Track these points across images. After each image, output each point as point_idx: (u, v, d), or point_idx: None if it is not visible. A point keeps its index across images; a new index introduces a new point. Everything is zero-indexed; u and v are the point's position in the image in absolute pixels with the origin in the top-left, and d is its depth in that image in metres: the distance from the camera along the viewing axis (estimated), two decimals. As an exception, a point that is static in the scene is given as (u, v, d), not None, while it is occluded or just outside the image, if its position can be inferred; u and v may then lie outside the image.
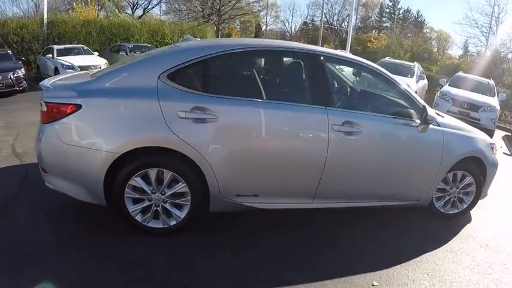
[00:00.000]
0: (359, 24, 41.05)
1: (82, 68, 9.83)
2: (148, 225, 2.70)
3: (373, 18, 43.30)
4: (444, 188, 3.46)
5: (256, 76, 3.14)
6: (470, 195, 3.57)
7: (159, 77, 2.58)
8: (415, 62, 12.40)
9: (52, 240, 2.60)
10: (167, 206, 2.69)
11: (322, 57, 2.98)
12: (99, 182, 2.54)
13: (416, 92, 9.06)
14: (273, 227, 3.07)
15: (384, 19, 43.00)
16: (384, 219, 3.39)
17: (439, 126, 3.19)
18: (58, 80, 2.99)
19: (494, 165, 3.63)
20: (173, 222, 2.72)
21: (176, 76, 2.62)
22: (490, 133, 7.86)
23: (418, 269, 2.71)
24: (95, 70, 3.92)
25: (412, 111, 3.11)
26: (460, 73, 11.98)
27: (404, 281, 2.55)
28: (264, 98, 2.80)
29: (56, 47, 11.80)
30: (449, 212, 3.58)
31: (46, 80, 2.93)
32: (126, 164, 2.54)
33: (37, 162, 2.82)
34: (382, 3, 43.53)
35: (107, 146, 2.51)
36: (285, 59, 3.25)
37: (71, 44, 13.49)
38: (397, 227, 3.33)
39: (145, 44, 14.71)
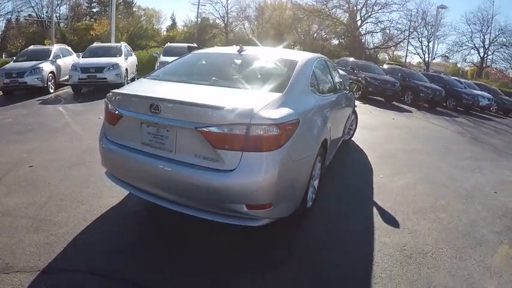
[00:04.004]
0: (70, 13, 39.10)
1: None
2: (308, 206, 3.28)
3: (83, 5, 42.21)
4: (347, 124, 6.29)
5: (325, 78, 4.44)
6: (353, 125, 6.58)
7: (309, 87, 3.35)
8: (122, 42, 14.36)
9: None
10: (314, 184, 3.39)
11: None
12: (305, 185, 2.92)
13: (127, 69, 11.41)
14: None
15: (93, 4, 42.73)
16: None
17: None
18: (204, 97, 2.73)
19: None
20: (313, 196, 3.45)
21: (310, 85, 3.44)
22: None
23: (379, 164, 5.39)
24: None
25: (343, 86, 5.46)
26: (169, 43, 14.73)
27: (380, 167, 5.16)
28: (332, 92, 4.27)
29: None
30: (347, 138, 6.45)
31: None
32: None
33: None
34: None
35: (314, 149, 2.99)
36: (324, 64, 4.48)
37: None
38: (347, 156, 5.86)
39: None
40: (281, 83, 3.01)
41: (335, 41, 40.32)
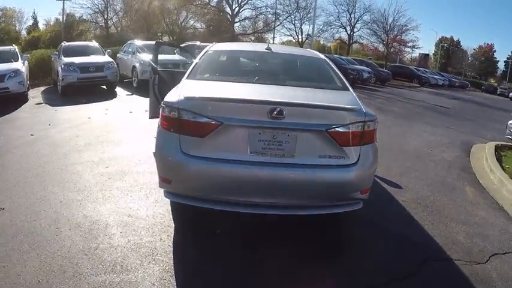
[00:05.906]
0: None
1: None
2: None
3: None
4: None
5: None
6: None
7: None
8: (14, 45, 12.96)
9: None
10: None
11: None
12: None
13: (27, 75, 10.59)
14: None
15: None
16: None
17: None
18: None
19: None
20: None
21: None
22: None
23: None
24: None
25: None
26: (65, 42, 13.65)
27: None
28: None
29: None
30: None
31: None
32: None
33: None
34: None
35: None
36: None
37: None
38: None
39: None
40: (339, 81, 3.49)
41: (200, 29, 41.50)
